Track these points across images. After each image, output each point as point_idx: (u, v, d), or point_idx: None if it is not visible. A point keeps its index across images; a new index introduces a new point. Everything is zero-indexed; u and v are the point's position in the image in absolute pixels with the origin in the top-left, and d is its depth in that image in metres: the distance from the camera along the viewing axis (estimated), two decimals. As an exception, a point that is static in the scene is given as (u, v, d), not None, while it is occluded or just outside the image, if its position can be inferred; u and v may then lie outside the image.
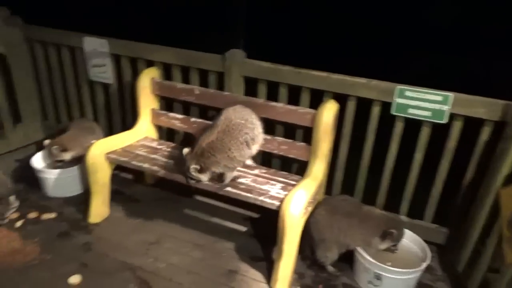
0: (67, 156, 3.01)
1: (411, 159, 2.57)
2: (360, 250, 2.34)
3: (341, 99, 2.58)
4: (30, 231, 2.70)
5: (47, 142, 3.04)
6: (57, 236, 2.68)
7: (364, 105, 2.57)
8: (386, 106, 2.48)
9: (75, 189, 3.11)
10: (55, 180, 3.02)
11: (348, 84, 2.52)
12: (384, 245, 2.30)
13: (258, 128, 2.49)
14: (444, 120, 2.36)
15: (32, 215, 2.86)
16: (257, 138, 2.48)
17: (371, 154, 2.68)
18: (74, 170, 3.06)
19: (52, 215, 2.88)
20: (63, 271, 2.39)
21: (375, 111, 2.55)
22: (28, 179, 3.17)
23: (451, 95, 2.30)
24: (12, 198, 2.65)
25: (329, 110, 2.45)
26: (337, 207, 2.42)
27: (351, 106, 2.59)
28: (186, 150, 2.40)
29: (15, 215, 2.80)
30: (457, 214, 2.55)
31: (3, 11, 3.28)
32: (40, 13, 3.59)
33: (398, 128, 2.52)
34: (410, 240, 2.51)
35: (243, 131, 2.38)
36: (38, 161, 3.16)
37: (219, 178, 2.45)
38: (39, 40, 3.42)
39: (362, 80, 2.49)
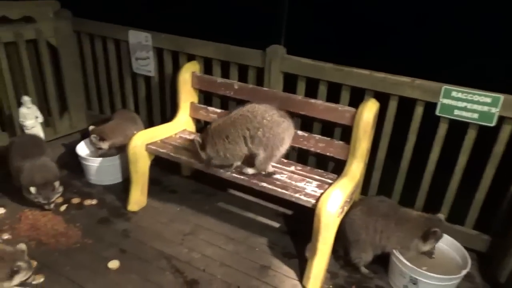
0: (105, 145, 3.13)
1: (453, 162, 2.48)
2: (396, 253, 2.29)
3: (382, 98, 2.52)
4: (73, 216, 2.83)
5: (91, 128, 3.16)
6: (98, 222, 2.80)
7: (406, 104, 2.50)
8: (429, 106, 2.40)
9: (116, 178, 3.23)
10: (98, 167, 3.14)
11: (391, 82, 2.46)
12: (427, 246, 2.24)
13: (265, 130, 2.33)
14: (493, 123, 2.25)
15: (75, 200, 3.00)
16: (258, 139, 2.34)
17: (411, 155, 2.60)
18: (116, 159, 3.17)
19: (94, 202, 3.00)
20: (103, 256, 2.49)
21: (418, 111, 2.47)
22: (72, 165, 3.32)
23: (501, 96, 2.20)
24: (57, 183, 2.78)
25: (370, 109, 2.41)
26: (374, 208, 2.37)
27: (393, 106, 2.53)
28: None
29: (59, 200, 2.94)
30: (501, 221, 2.44)
31: (55, 5, 3.44)
32: (88, 7, 3.73)
33: (442, 129, 2.44)
34: (449, 246, 2.43)
35: (245, 125, 2.37)
36: (82, 148, 3.30)
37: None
38: (87, 32, 3.56)
39: (406, 79, 2.42)
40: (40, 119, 3.37)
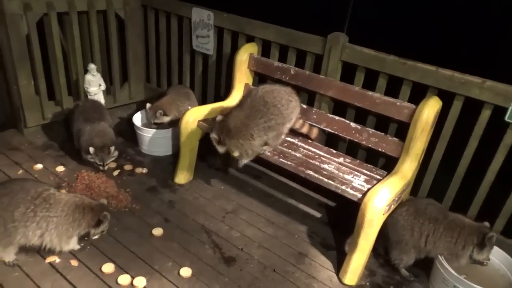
0: (167, 119, 3.24)
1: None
2: (441, 259, 2.19)
3: (445, 96, 2.38)
4: (125, 181, 2.98)
5: (148, 105, 3.27)
6: (146, 190, 2.92)
7: (470, 106, 2.35)
8: (497, 110, 2.24)
9: (166, 150, 3.35)
10: (151, 138, 3.27)
11: (459, 81, 2.31)
12: (483, 254, 2.13)
13: (278, 117, 2.44)
14: None
15: (128, 167, 3.15)
16: (272, 127, 2.44)
17: (470, 161, 2.46)
18: (168, 132, 3.28)
19: (144, 170, 3.13)
20: (149, 222, 2.61)
21: (485, 115, 2.31)
22: (128, 134, 3.49)
23: None
24: (112, 148, 2.92)
25: (431, 107, 2.28)
26: (421, 210, 2.28)
27: (457, 106, 2.39)
28: (219, 118, 2.48)
29: (113, 165, 3.10)
30: None
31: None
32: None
33: (510, 137, 2.27)
34: (500, 260, 2.29)
35: (262, 119, 2.40)
36: (138, 119, 3.44)
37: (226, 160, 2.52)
38: (153, 7, 3.66)
39: (476, 79, 2.26)
40: (103, 86, 3.54)
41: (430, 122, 2.28)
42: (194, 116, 2.87)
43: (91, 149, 2.84)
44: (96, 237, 2.21)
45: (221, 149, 2.48)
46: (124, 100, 3.98)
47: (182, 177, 3.03)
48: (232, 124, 2.40)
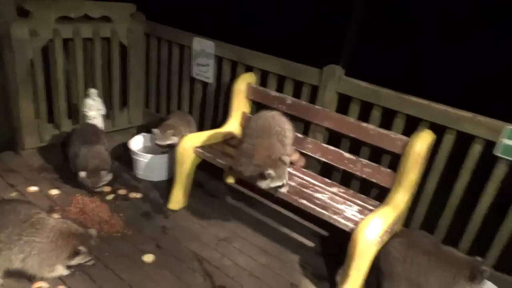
0: (175, 139, 3.16)
1: (508, 206, 2.33)
2: (434, 293, 2.16)
3: (437, 129, 2.43)
4: (118, 206, 2.97)
5: (155, 130, 3.24)
6: (140, 215, 2.92)
7: (461, 139, 2.39)
8: (489, 145, 2.28)
9: (162, 175, 3.36)
10: (146, 163, 3.29)
11: (451, 116, 2.36)
12: None
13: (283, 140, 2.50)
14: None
15: (122, 191, 3.14)
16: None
17: (462, 194, 2.47)
18: (164, 158, 3.30)
19: (139, 195, 3.13)
20: (140, 248, 2.58)
21: (476, 149, 2.35)
22: (124, 159, 3.50)
23: None
24: (105, 172, 2.94)
25: (423, 140, 2.33)
26: (414, 242, 2.27)
27: (448, 140, 2.43)
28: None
29: (107, 189, 3.11)
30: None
31: (131, 8, 3.69)
32: (159, 11, 3.95)
33: (500, 171, 2.30)
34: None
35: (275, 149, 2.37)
36: (135, 143, 3.47)
37: None
38: (156, 36, 3.77)
39: (467, 114, 2.32)
40: (103, 111, 3.59)
41: (422, 154, 2.32)
42: (191, 142, 2.90)
43: (82, 173, 2.86)
44: (86, 262, 2.19)
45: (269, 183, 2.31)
46: (123, 124, 4.02)
47: (176, 202, 3.03)
48: (263, 154, 2.29)
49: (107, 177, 2.98)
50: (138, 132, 3.81)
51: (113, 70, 3.75)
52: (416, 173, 2.38)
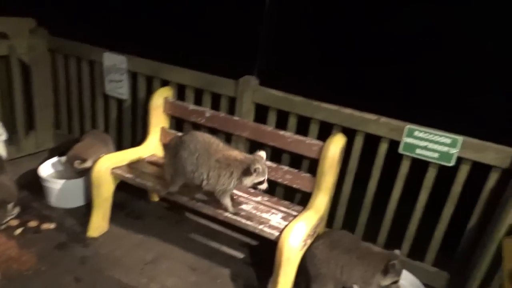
0: (89, 164, 3.01)
1: (416, 200, 2.54)
2: (357, 288, 2.28)
3: (352, 133, 2.58)
4: (29, 240, 2.70)
5: (63, 159, 3.06)
6: (55, 247, 2.68)
7: (372, 141, 2.57)
8: (395, 144, 2.47)
9: (78, 201, 3.13)
10: (59, 190, 3.04)
11: (358, 119, 2.52)
12: (387, 281, 2.23)
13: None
14: (452, 163, 2.33)
15: (32, 223, 2.86)
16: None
17: (375, 191, 2.65)
18: (79, 182, 3.08)
19: (52, 226, 2.88)
20: (57, 284, 2.37)
21: (382, 148, 2.54)
22: (34, 186, 3.20)
23: (460, 138, 2.29)
24: (10, 206, 2.67)
25: (336, 144, 2.45)
26: (336, 242, 2.37)
27: (358, 142, 2.59)
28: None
29: (15, 223, 2.81)
30: (459, 259, 2.49)
31: (30, 23, 3.41)
32: (64, 26, 3.70)
33: (404, 167, 2.50)
34: (409, 283, 2.44)
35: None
36: (45, 169, 3.20)
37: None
38: (62, 52, 3.53)
39: (372, 117, 2.49)
40: (4, 136, 3.26)
41: (336, 158, 2.44)
42: (108, 163, 2.74)
43: None
44: None
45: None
46: (30, 149, 3.69)
47: (95, 229, 2.83)
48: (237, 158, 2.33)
49: (14, 210, 2.71)
50: (50, 156, 3.52)
51: (14, 91, 3.43)
52: (332, 176, 2.50)
